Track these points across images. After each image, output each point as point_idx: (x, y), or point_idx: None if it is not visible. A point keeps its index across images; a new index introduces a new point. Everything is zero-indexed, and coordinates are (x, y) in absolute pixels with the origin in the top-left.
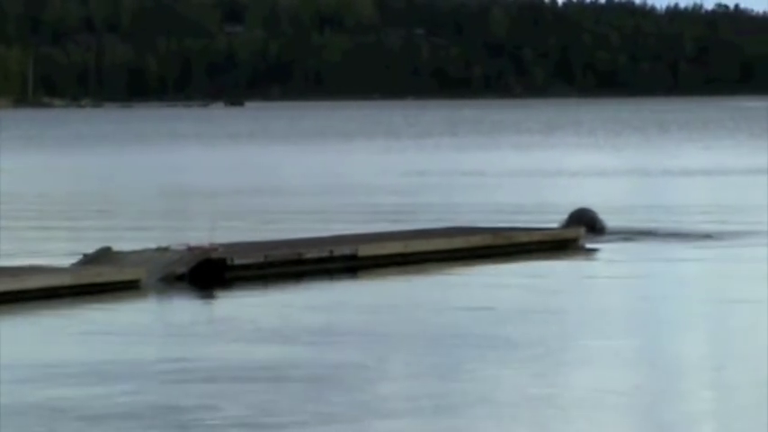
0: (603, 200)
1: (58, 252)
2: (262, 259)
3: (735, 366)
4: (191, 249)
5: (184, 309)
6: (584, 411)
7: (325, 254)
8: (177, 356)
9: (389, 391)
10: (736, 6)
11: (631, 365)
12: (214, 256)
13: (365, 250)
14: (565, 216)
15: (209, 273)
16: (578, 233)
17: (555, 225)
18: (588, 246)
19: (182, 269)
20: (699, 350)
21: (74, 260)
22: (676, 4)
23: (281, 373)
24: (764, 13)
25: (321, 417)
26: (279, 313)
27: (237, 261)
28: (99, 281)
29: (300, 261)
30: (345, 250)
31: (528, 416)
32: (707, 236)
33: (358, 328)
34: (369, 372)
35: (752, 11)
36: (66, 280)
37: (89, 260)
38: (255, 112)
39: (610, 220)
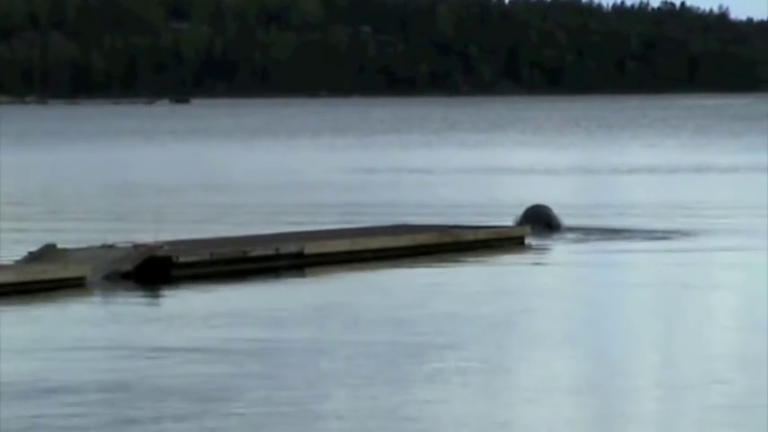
0: (550, 197)
1: (2, 249)
2: (207, 257)
3: (681, 366)
4: (136, 247)
5: (129, 306)
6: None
7: (271, 251)
8: (122, 354)
9: (330, 394)
10: (682, 4)
11: (572, 374)
12: (159, 253)
13: (311, 248)
14: (519, 213)
15: (154, 271)
16: (524, 231)
17: (509, 222)
18: (534, 244)
19: (127, 267)
20: (640, 352)
21: (18, 258)
22: (623, 2)
23: (224, 377)
24: (710, 10)
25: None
26: (223, 311)
27: (183, 259)
28: (44, 278)
29: (246, 259)
30: (292, 248)
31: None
32: (657, 233)
33: (301, 329)
34: (309, 373)
35: (698, 8)
36: (10, 277)
37: (34, 258)
38: (201, 110)
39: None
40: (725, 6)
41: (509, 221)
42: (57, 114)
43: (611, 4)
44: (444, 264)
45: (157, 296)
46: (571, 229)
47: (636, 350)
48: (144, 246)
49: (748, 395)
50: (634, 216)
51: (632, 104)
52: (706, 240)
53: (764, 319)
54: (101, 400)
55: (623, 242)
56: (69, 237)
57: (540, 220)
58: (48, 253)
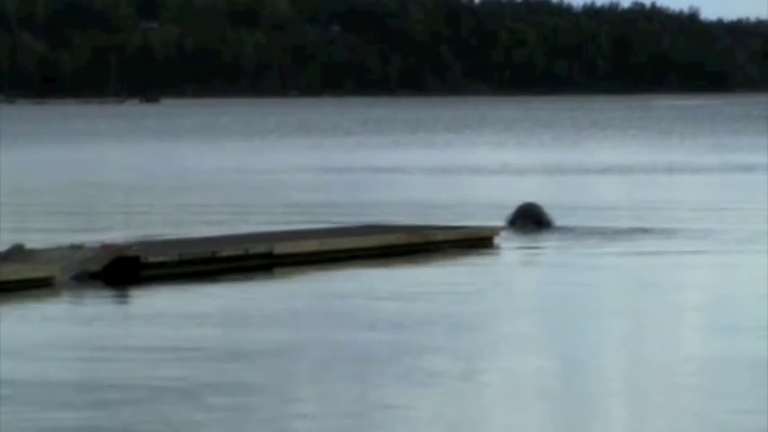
0: (520, 197)
1: None
2: (176, 257)
3: (649, 368)
4: (104, 247)
5: (98, 306)
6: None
7: (240, 252)
8: (91, 354)
9: (304, 394)
10: (653, 5)
11: (538, 375)
12: (128, 253)
13: (280, 248)
14: (510, 211)
15: (123, 271)
16: (494, 232)
17: (501, 221)
18: (504, 245)
19: (95, 267)
20: (607, 353)
21: None
22: (593, 3)
23: (191, 385)
24: (681, 11)
25: None
26: (193, 311)
27: (152, 259)
28: (12, 278)
29: (215, 259)
30: (261, 248)
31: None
32: (633, 233)
33: (270, 329)
34: (278, 373)
35: (668, 9)
36: None
37: (2, 258)
38: (171, 109)
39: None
40: (695, 7)
41: (481, 221)
42: (25, 114)
43: (581, 5)
44: (413, 264)
45: (126, 296)
46: (561, 228)
47: (603, 351)
48: (113, 246)
49: (717, 398)
50: (612, 216)
51: (602, 105)
52: (673, 241)
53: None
54: (68, 400)
55: (606, 242)
56: (37, 237)
57: (531, 218)
58: (16, 253)
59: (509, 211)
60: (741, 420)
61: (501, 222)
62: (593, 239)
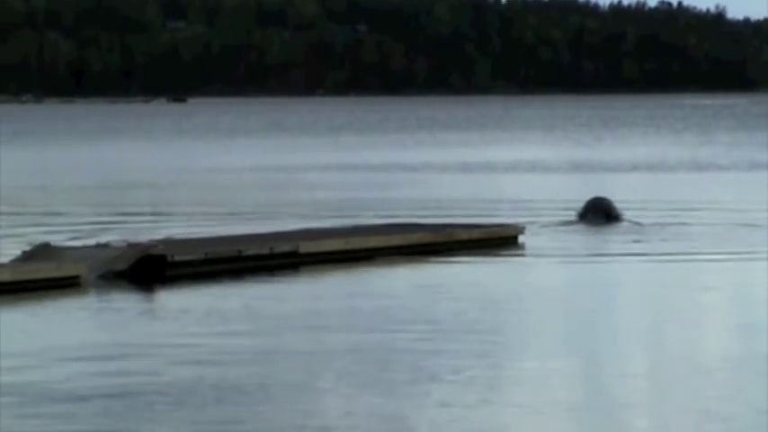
0: (547, 195)
1: None
2: (202, 256)
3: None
4: (131, 246)
5: (124, 305)
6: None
7: (265, 251)
8: (118, 353)
9: (328, 401)
10: (679, 4)
11: (563, 378)
12: (154, 252)
13: (306, 247)
14: (580, 205)
15: (149, 270)
16: (518, 230)
17: (572, 214)
18: (528, 243)
19: (122, 266)
20: (631, 357)
21: (12, 257)
22: (620, 2)
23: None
24: (707, 10)
25: None
26: (218, 310)
27: (178, 258)
28: (38, 277)
29: (241, 258)
30: (286, 247)
31: None
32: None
33: (296, 328)
34: (304, 373)
35: (694, 8)
36: (4, 276)
37: (28, 256)
38: (198, 108)
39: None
40: (722, 6)
41: (507, 219)
42: (52, 113)
43: (607, 4)
44: (438, 263)
45: (152, 295)
46: (630, 223)
47: (628, 355)
48: (139, 245)
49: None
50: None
51: (628, 104)
52: (693, 241)
53: None
54: (97, 400)
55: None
56: (64, 235)
57: (601, 212)
58: (42, 252)
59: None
60: None
61: (526, 219)
62: (660, 234)
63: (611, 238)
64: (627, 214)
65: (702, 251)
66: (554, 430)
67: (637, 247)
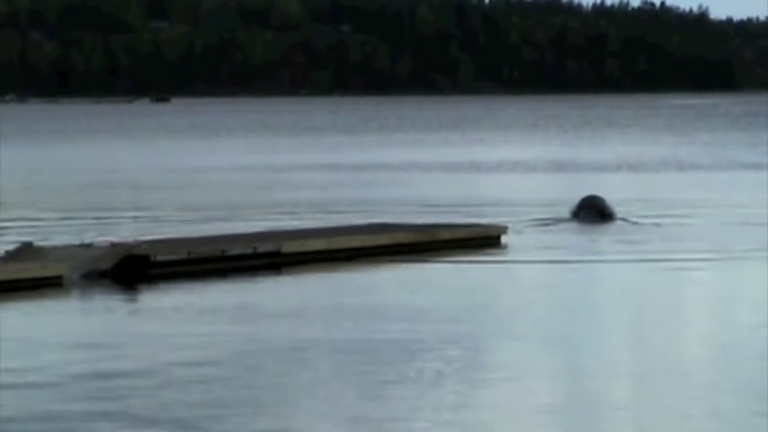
0: (530, 195)
1: None
2: (185, 256)
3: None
4: (114, 245)
5: (107, 305)
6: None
7: (248, 251)
8: (100, 353)
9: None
10: (662, 4)
11: (546, 375)
12: (137, 252)
13: (289, 247)
14: (575, 202)
15: (132, 269)
16: (500, 230)
17: (565, 211)
18: (511, 242)
19: (105, 265)
20: (612, 355)
21: None
22: (603, 2)
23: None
24: (690, 10)
25: None
26: (201, 309)
27: (161, 257)
28: (21, 277)
29: (224, 258)
30: (269, 247)
31: None
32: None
33: (278, 327)
34: (285, 372)
35: (677, 8)
36: None
37: (11, 256)
38: (182, 108)
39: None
40: (704, 6)
41: (489, 219)
42: (36, 113)
43: (590, 4)
44: (421, 263)
45: (135, 294)
46: (623, 220)
47: (608, 353)
48: (122, 244)
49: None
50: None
51: (611, 104)
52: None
53: None
54: (78, 398)
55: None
56: (47, 235)
57: (594, 210)
58: (25, 252)
59: (515, 208)
60: None
61: (508, 219)
62: (650, 235)
63: (599, 238)
64: (620, 212)
65: (691, 250)
66: (535, 431)
67: (620, 247)
